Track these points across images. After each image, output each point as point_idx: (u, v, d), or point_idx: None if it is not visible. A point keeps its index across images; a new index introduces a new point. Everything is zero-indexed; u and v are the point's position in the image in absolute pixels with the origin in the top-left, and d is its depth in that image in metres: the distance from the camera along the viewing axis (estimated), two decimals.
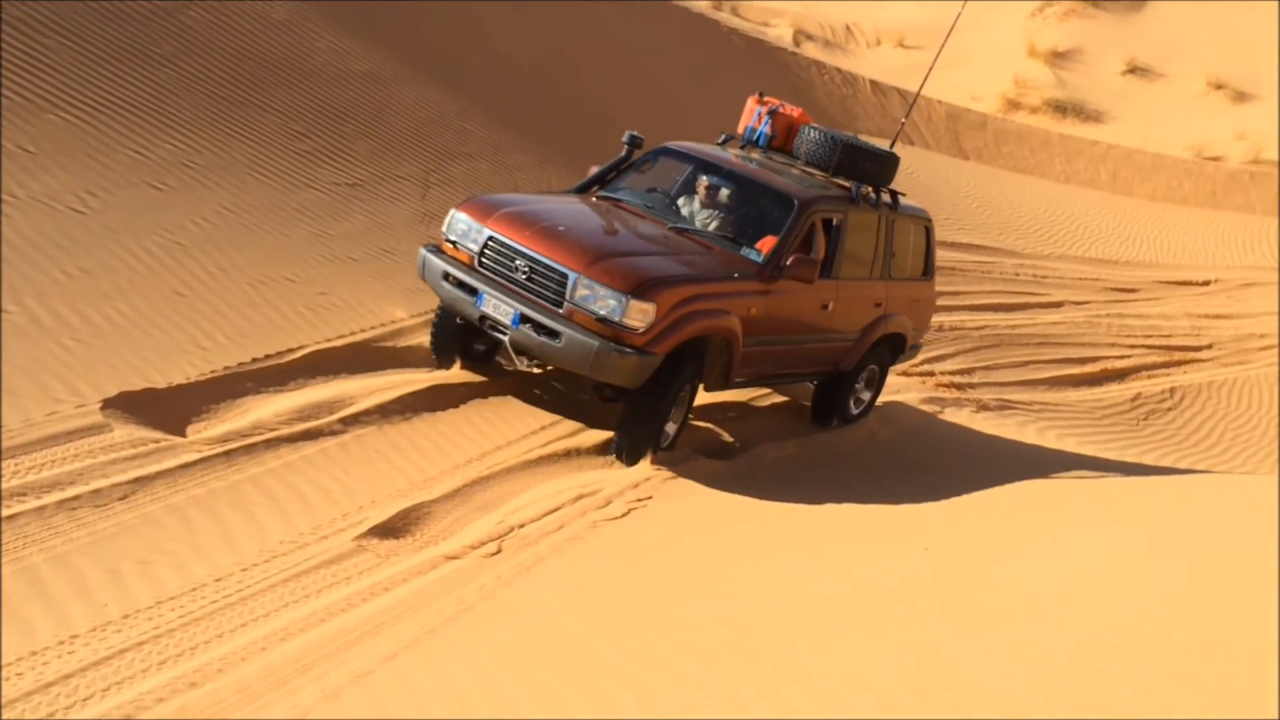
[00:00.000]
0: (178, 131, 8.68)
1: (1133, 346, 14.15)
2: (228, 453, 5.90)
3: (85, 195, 7.50)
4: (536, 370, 7.68)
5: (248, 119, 9.37)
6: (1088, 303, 15.36)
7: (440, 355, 7.46)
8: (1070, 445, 10.71)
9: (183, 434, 5.98)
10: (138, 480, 5.42)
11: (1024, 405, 11.30)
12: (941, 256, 14.04)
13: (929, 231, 8.76)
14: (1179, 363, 14.17)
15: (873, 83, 20.02)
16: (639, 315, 6.28)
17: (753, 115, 8.26)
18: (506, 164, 11.40)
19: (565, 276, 6.40)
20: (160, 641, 4.42)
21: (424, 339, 7.79)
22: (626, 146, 7.89)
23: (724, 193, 7.61)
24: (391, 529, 5.64)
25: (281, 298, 7.60)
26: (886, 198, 8.20)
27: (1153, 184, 20.81)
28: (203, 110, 9.09)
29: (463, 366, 7.44)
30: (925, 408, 10.08)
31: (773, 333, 7.28)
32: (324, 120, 10.02)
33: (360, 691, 4.31)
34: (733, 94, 16.85)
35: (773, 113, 8.16)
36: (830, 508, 7.06)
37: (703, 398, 7.67)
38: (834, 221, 7.64)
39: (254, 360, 6.82)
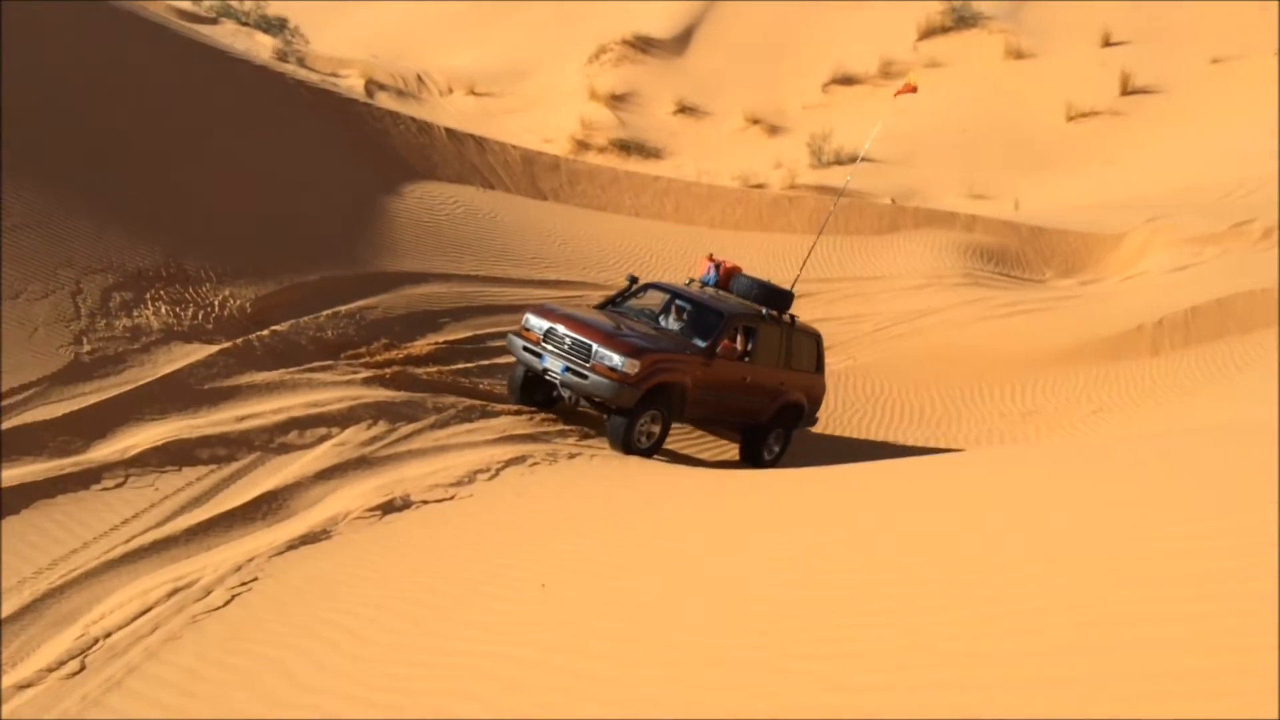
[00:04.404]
0: None
1: None
2: None
3: None
4: (570, 403, 11.58)
5: None
6: None
7: (515, 397, 11.67)
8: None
9: None
10: None
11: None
12: (532, 295, 14.58)
13: (818, 343, 13.06)
14: None
15: (448, 130, 20.32)
16: (631, 367, 10.62)
17: (706, 267, 12.98)
18: (58, 233, 10.40)
19: (590, 346, 10.77)
20: None
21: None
22: (629, 282, 12.61)
23: (686, 311, 12.13)
24: None
25: None
26: (786, 318, 12.62)
27: (710, 212, 22.77)
28: None
29: (523, 404, 11.60)
30: (526, 449, 10.40)
31: (711, 389, 11.61)
32: None
33: None
34: (302, 146, 16.46)
35: (718, 265, 12.93)
36: (490, 547, 7.09)
37: None
38: (751, 329, 12.19)
39: None
